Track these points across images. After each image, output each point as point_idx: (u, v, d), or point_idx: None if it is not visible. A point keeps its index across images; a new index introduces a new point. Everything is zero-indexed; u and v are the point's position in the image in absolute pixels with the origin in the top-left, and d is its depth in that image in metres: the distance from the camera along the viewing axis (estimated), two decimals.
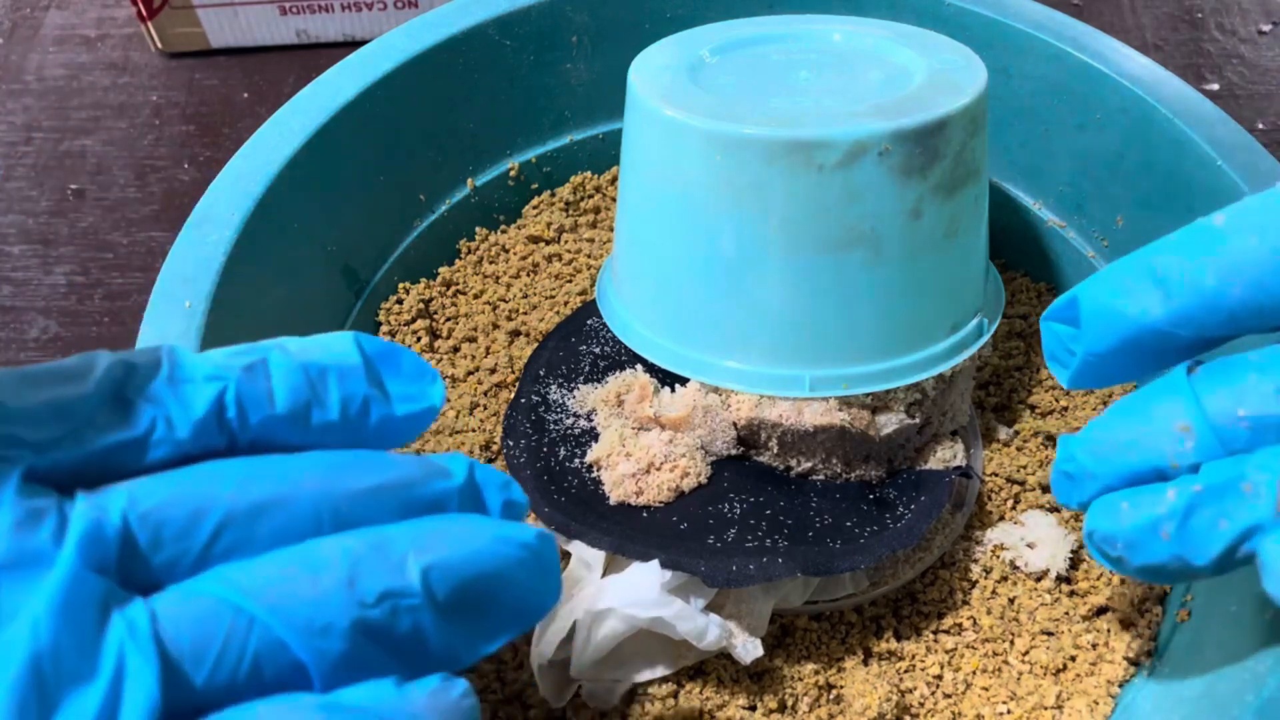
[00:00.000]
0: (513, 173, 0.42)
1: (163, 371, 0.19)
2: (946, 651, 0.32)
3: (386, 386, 0.21)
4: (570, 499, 0.31)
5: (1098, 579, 0.34)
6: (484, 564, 0.19)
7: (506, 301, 0.40)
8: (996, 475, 0.36)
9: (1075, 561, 0.34)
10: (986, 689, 0.32)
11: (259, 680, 0.17)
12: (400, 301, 0.39)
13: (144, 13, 0.54)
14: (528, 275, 0.41)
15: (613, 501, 0.31)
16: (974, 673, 0.32)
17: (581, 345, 0.36)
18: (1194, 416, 0.22)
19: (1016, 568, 0.34)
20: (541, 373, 0.36)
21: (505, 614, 0.20)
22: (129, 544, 0.17)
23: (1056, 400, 0.38)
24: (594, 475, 0.32)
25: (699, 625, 0.28)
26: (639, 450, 0.32)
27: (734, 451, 0.33)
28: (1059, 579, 0.33)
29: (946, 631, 0.33)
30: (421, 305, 0.39)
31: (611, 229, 0.42)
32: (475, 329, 0.39)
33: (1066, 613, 0.33)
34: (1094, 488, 0.24)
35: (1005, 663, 0.32)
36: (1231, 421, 0.22)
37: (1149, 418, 0.23)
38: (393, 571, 0.18)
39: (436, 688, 0.18)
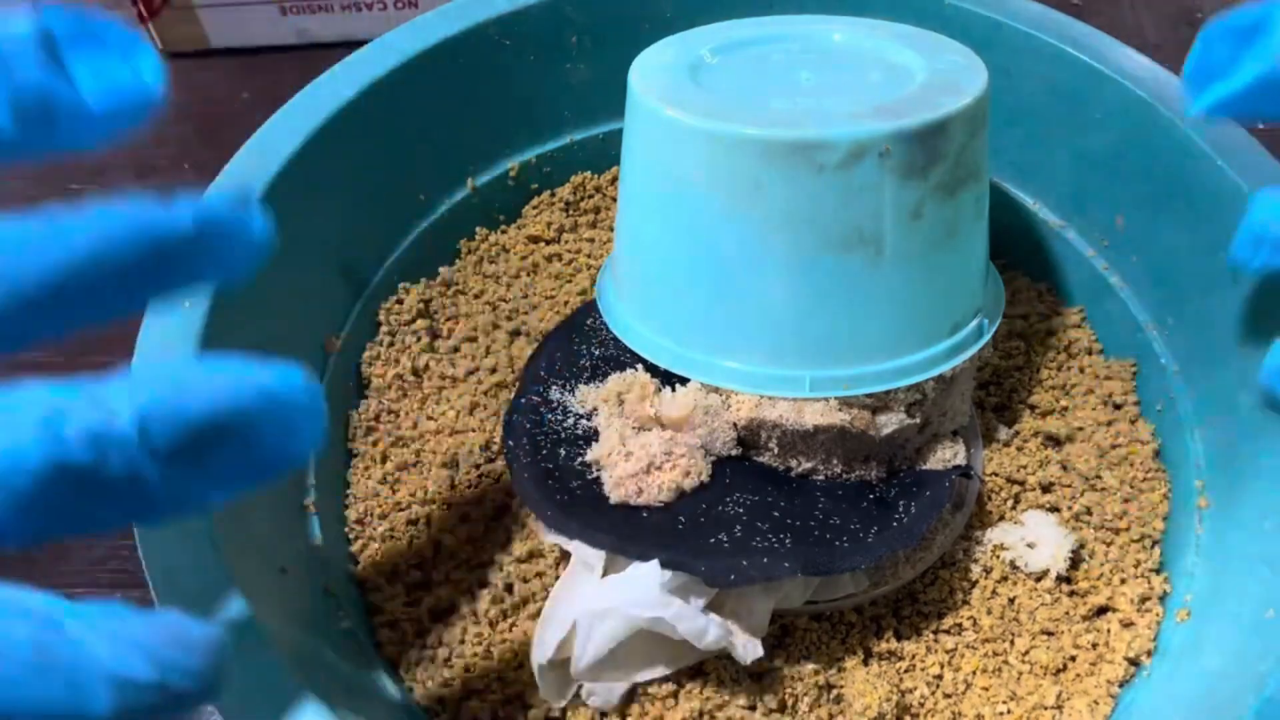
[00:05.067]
0: (513, 173, 0.42)
1: None
2: (946, 651, 0.32)
3: (75, 70, 0.18)
4: (571, 499, 0.31)
5: (1097, 579, 0.34)
6: (212, 409, 0.17)
7: (507, 301, 0.40)
8: (996, 475, 0.36)
9: (1075, 561, 0.34)
10: (987, 689, 0.32)
11: None
12: (400, 301, 0.39)
13: (144, 13, 0.53)
14: (528, 275, 0.41)
15: (613, 501, 0.31)
16: (974, 673, 0.32)
17: (581, 345, 0.36)
18: None
19: (1016, 568, 0.34)
20: (541, 373, 0.36)
21: (241, 463, 0.18)
22: None
23: (1056, 400, 0.38)
24: (594, 475, 0.32)
25: (699, 625, 0.28)
26: (639, 450, 0.32)
27: (734, 452, 0.33)
28: (1059, 579, 0.33)
29: (946, 631, 0.33)
30: (421, 305, 0.39)
31: (611, 229, 0.42)
32: (475, 329, 0.39)
33: (1066, 613, 0.33)
34: None
35: (1005, 663, 0.32)
36: None
37: None
38: (101, 412, 0.17)
39: (174, 620, 0.17)
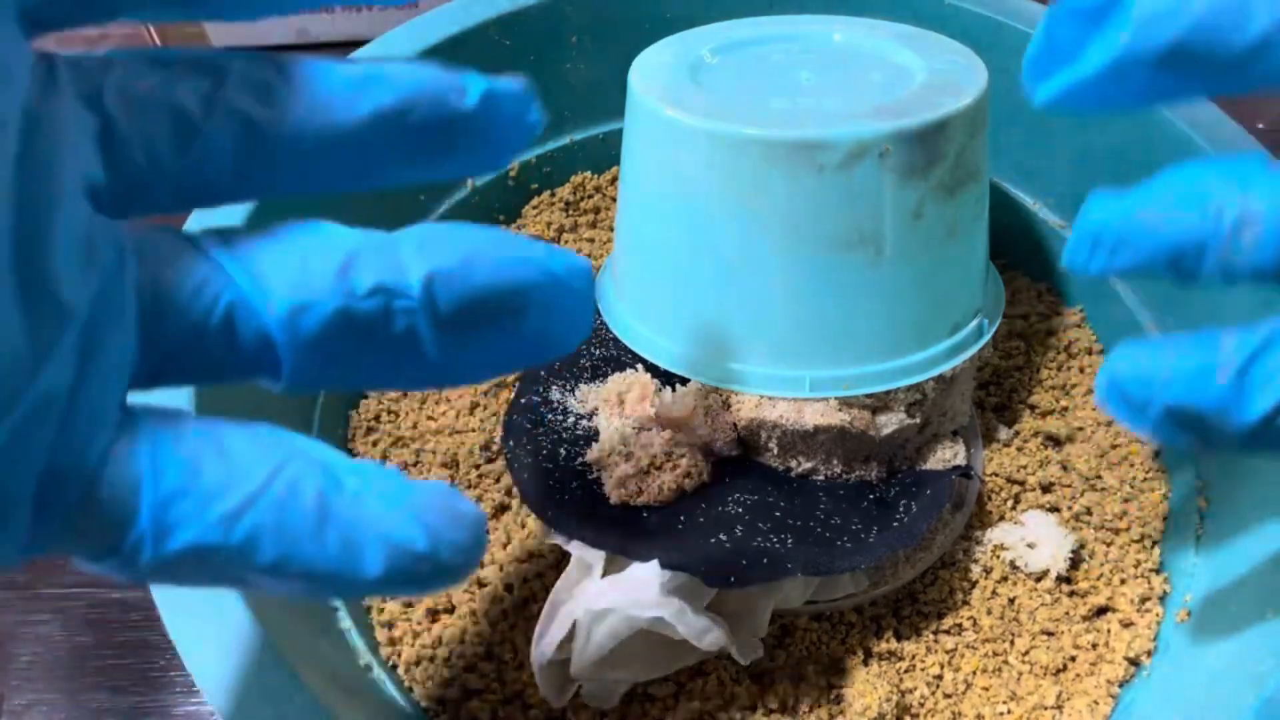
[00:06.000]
0: (513, 173, 0.42)
1: None
2: (946, 651, 0.32)
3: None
4: (571, 499, 0.31)
5: (1097, 579, 0.34)
6: (497, 284, 0.18)
7: None
8: (996, 475, 0.36)
9: (1075, 561, 0.34)
10: (986, 689, 0.32)
11: (231, 340, 0.16)
12: None
13: None
14: None
15: (613, 502, 0.31)
16: (974, 673, 0.32)
17: (582, 345, 0.36)
18: (1268, 204, 0.20)
19: (1016, 568, 0.34)
20: (542, 373, 0.36)
21: (518, 341, 0.18)
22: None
23: (1056, 400, 0.38)
24: (594, 475, 0.32)
25: (699, 625, 0.28)
26: (639, 450, 0.32)
27: (734, 452, 0.33)
28: (1059, 579, 0.33)
29: (946, 631, 0.33)
30: None
31: (611, 229, 0.42)
32: None
33: (1066, 613, 0.33)
34: (1129, 257, 0.22)
35: (1005, 663, 0.32)
36: None
37: (1212, 193, 0.20)
38: (391, 269, 0.17)
39: (445, 492, 0.17)
